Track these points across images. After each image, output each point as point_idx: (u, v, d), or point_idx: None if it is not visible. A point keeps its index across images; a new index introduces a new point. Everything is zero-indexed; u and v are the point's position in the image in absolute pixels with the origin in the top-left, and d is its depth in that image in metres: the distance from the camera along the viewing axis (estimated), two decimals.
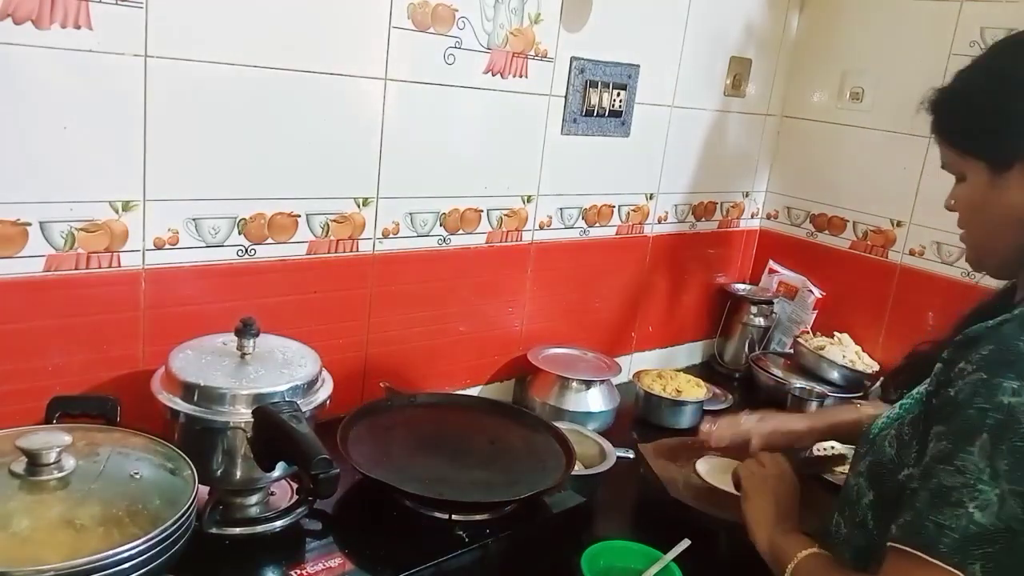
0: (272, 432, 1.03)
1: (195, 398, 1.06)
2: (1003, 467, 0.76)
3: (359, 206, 1.40)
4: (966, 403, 0.80)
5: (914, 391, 1.00)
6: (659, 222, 1.94)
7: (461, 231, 1.55)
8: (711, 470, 1.37)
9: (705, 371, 2.10)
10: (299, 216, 1.33)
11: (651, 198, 1.90)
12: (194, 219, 1.22)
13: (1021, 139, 0.88)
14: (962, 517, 0.77)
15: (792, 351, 2.05)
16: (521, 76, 1.53)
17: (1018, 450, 0.77)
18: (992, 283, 1.03)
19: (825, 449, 1.61)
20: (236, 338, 1.12)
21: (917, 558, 0.79)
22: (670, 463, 1.41)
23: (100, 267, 1.15)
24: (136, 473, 0.94)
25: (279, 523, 1.13)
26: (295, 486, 1.21)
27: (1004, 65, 0.92)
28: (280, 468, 1.10)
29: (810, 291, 2.08)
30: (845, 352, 1.93)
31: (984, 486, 0.77)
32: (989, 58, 0.94)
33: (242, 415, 1.05)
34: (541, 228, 1.69)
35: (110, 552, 0.80)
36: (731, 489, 1.25)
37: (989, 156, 0.91)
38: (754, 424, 1.34)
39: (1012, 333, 0.82)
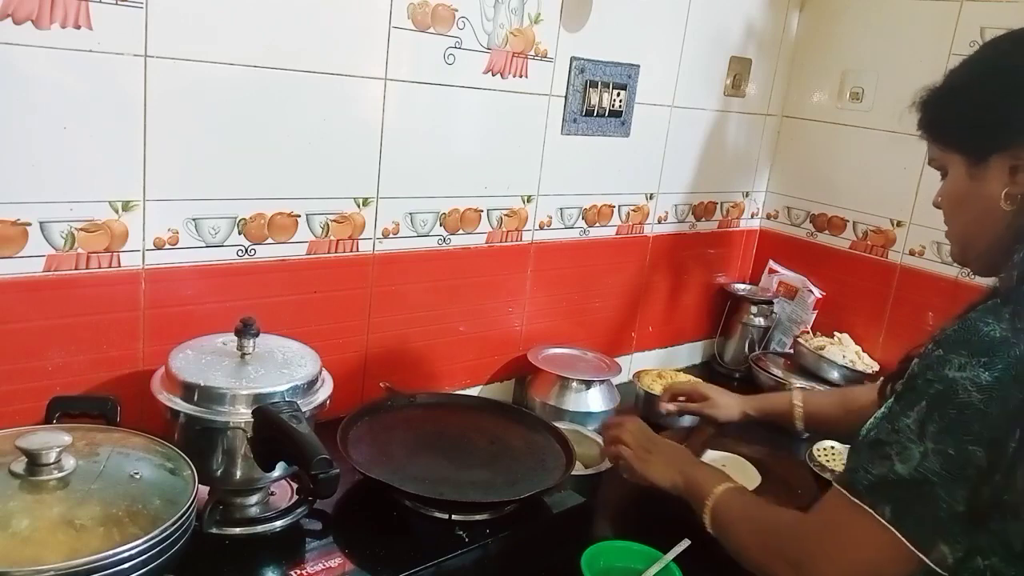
0: (272, 432, 1.03)
1: (195, 398, 1.06)
2: (931, 429, 0.83)
3: (359, 206, 1.40)
4: (918, 375, 0.86)
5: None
6: (659, 222, 1.94)
7: (461, 231, 1.55)
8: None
9: (705, 371, 2.10)
10: (299, 216, 1.33)
11: (651, 198, 1.90)
12: (194, 219, 1.22)
13: (997, 131, 0.90)
14: (884, 467, 0.85)
15: (792, 351, 2.05)
16: (521, 76, 1.53)
17: (948, 416, 0.82)
18: (990, 282, 1.03)
19: (826, 450, 1.61)
20: (236, 338, 1.13)
21: (843, 496, 0.88)
22: None
23: (100, 267, 1.15)
24: (136, 473, 0.94)
25: (279, 523, 1.13)
26: (295, 486, 1.21)
27: (983, 60, 0.95)
28: (280, 468, 1.10)
29: (810, 291, 2.08)
30: (845, 352, 1.93)
31: (912, 444, 0.83)
32: (973, 56, 0.97)
33: (242, 415, 1.05)
34: (541, 228, 1.69)
35: (110, 552, 0.81)
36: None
37: (967, 149, 0.93)
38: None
39: (977, 316, 0.85)
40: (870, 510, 0.85)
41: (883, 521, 0.84)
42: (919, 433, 0.83)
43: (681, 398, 1.53)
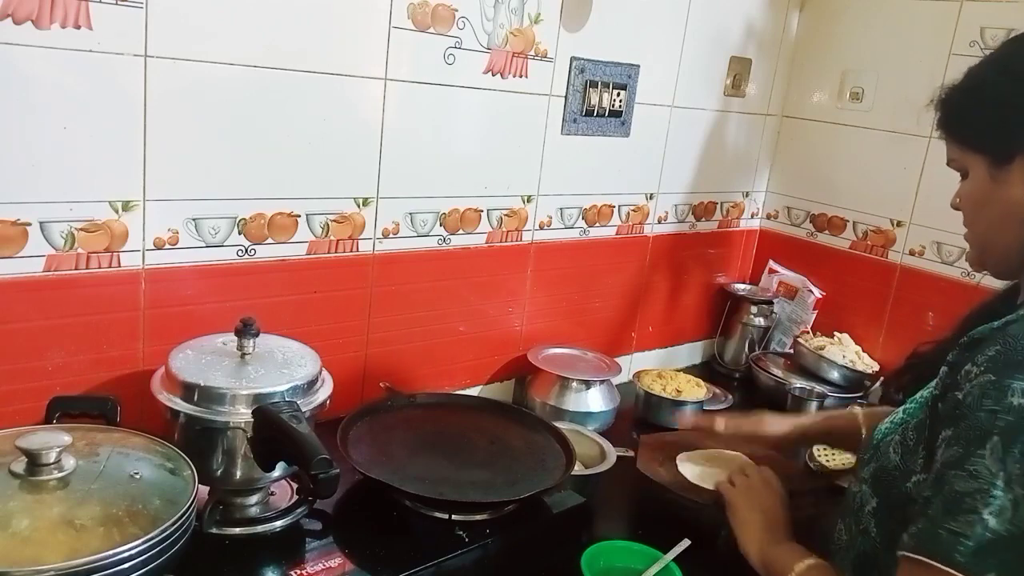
0: (272, 432, 1.03)
1: (195, 398, 1.06)
2: (1016, 471, 0.74)
3: (359, 206, 1.40)
4: (975, 406, 0.78)
5: (917, 395, 0.99)
6: (659, 222, 1.94)
7: (461, 231, 1.55)
8: (696, 475, 1.38)
9: (705, 371, 2.10)
10: (299, 216, 1.33)
11: (651, 198, 1.90)
12: (194, 219, 1.22)
13: (1021, 131, 0.88)
14: (976, 524, 0.74)
15: (792, 351, 2.05)
16: (521, 76, 1.53)
17: None
18: (993, 283, 1.03)
19: (826, 450, 1.61)
20: (236, 338, 1.13)
21: (931, 567, 0.76)
22: (654, 462, 1.41)
23: (100, 267, 1.15)
24: (136, 473, 0.94)
25: (279, 523, 1.13)
26: (295, 486, 1.21)
27: (1006, 60, 0.92)
28: (280, 468, 1.10)
29: (810, 291, 2.08)
30: (845, 352, 1.93)
31: (998, 491, 0.74)
32: (995, 55, 0.94)
33: (242, 415, 1.05)
34: (541, 228, 1.69)
35: (110, 552, 0.81)
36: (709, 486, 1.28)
37: (989, 149, 0.90)
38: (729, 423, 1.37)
39: (1019, 333, 0.81)
40: None
41: None
42: (1005, 479, 0.74)
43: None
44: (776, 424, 1.36)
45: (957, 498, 0.76)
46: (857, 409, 1.35)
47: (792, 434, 1.35)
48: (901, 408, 1.00)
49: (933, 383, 0.92)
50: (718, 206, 2.09)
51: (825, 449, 1.60)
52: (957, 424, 0.80)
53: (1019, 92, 0.88)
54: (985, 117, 0.91)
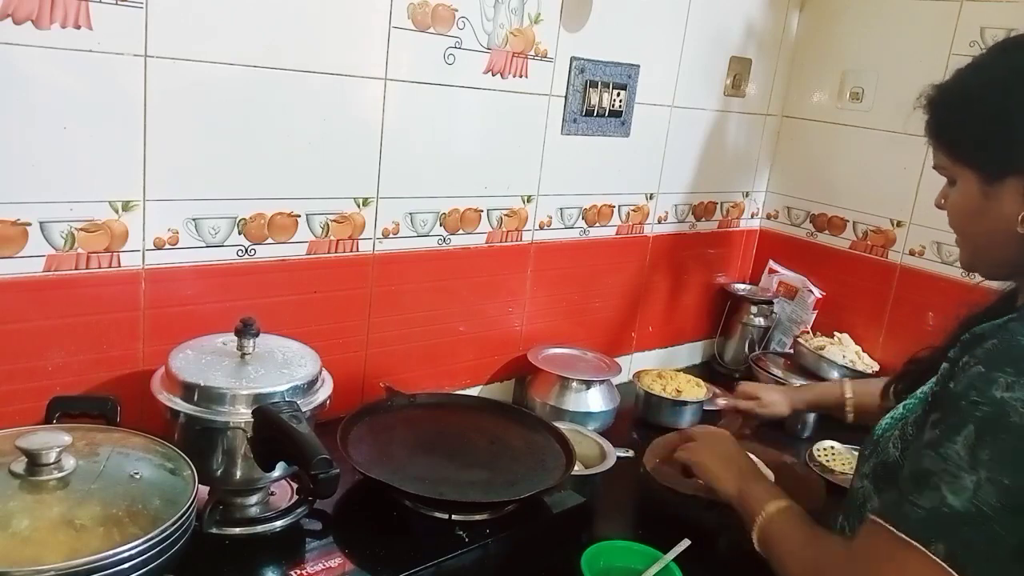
0: (272, 432, 1.03)
1: (195, 398, 1.06)
2: (984, 456, 0.78)
3: (359, 206, 1.40)
4: (961, 394, 0.82)
5: (917, 391, 1.00)
6: (659, 222, 1.94)
7: (461, 231, 1.55)
8: None
9: (705, 371, 2.10)
10: (299, 216, 1.33)
11: (651, 198, 1.90)
12: (194, 219, 1.22)
13: (1013, 151, 0.87)
14: (935, 499, 0.80)
15: (792, 351, 2.05)
16: (521, 76, 1.53)
17: (1002, 442, 0.78)
18: (993, 283, 1.03)
19: (825, 450, 1.62)
20: (236, 338, 1.13)
21: (888, 531, 0.82)
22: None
23: (100, 267, 1.15)
24: (136, 473, 0.94)
25: (279, 523, 1.13)
26: (295, 486, 1.21)
27: (1002, 73, 0.89)
28: (280, 468, 1.10)
29: (810, 291, 2.08)
30: (845, 352, 1.93)
31: (963, 474, 0.79)
32: (989, 63, 0.92)
33: (242, 415, 1.05)
34: (541, 228, 1.69)
35: (110, 552, 0.81)
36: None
37: (982, 166, 0.89)
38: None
39: (1017, 330, 0.82)
40: (922, 547, 0.79)
41: (937, 560, 0.78)
42: (971, 461, 0.78)
43: (728, 399, 1.57)
44: (776, 407, 1.51)
45: (924, 475, 0.81)
46: (844, 381, 1.50)
47: (789, 415, 1.53)
48: (901, 404, 1.01)
49: (933, 379, 0.93)
50: (718, 206, 2.09)
51: (825, 449, 1.61)
52: (943, 409, 0.84)
53: (1010, 108, 0.86)
54: (976, 132, 0.90)
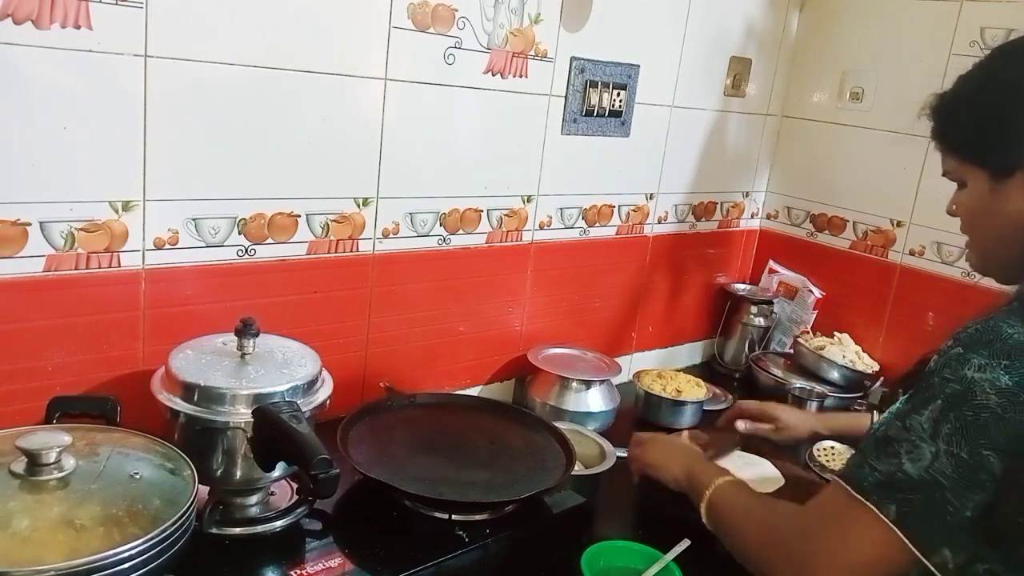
0: (272, 432, 1.03)
1: (195, 398, 1.06)
2: (945, 430, 0.81)
3: (359, 206, 1.40)
4: (935, 371, 0.85)
5: None
6: (659, 222, 1.94)
7: (461, 231, 1.55)
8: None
9: (705, 371, 2.10)
10: (299, 216, 1.33)
11: (651, 198, 1.90)
12: (194, 219, 1.22)
13: (1021, 147, 0.88)
14: (892, 465, 0.83)
15: (792, 351, 2.05)
16: (521, 76, 1.53)
17: (964, 419, 0.80)
18: (993, 283, 1.03)
19: (825, 450, 1.61)
20: (236, 338, 1.13)
21: (845, 491, 0.86)
22: None
23: (100, 267, 1.15)
24: (136, 473, 0.94)
25: (279, 523, 1.13)
26: (295, 486, 1.21)
27: (1005, 72, 0.91)
28: (280, 468, 1.10)
29: (810, 291, 2.08)
30: (845, 352, 1.93)
31: (923, 444, 0.82)
32: (990, 64, 0.93)
33: (242, 415, 1.05)
34: (541, 228, 1.69)
35: (110, 552, 0.81)
36: None
37: (990, 164, 0.90)
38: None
39: (999, 318, 0.84)
40: (874, 508, 0.83)
41: (887, 520, 0.82)
42: (932, 433, 0.82)
43: (747, 422, 1.54)
44: (795, 432, 1.51)
45: (887, 441, 0.85)
46: (874, 413, 1.49)
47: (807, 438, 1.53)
48: (899, 400, 1.01)
49: None
50: (718, 206, 2.09)
51: (825, 449, 1.61)
52: (919, 383, 0.87)
53: (1017, 106, 0.88)
54: (983, 132, 0.91)
